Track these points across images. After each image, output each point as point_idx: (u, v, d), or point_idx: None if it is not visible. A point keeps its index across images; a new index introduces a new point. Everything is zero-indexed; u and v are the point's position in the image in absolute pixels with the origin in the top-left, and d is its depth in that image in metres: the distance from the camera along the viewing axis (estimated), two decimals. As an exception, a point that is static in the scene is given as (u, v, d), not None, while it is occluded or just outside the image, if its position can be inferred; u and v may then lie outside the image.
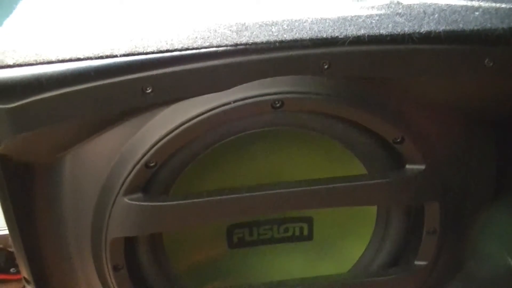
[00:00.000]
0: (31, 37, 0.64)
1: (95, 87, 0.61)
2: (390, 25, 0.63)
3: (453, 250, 0.81)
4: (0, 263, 1.03)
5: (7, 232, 0.72)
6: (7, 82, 0.60)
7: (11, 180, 0.66)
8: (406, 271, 0.77)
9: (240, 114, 0.65)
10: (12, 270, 1.04)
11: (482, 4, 0.68)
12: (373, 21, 0.64)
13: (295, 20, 0.64)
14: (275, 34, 0.62)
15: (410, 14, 0.65)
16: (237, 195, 0.68)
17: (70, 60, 0.60)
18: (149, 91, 0.62)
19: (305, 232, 0.81)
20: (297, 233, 0.81)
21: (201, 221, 0.69)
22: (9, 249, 1.02)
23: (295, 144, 0.74)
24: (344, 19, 0.64)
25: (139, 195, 0.68)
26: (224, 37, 0.62)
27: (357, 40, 0.62)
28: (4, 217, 0.69)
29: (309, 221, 0.81)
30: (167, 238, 0.77)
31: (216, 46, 0.61)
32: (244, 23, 0.64)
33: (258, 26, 0.63)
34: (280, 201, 0.69)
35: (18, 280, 1.03)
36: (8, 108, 0.60)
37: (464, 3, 0.68)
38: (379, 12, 0.66)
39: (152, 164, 0.66)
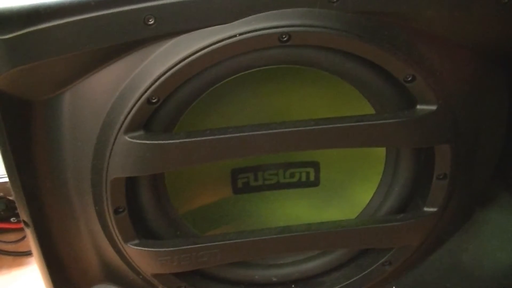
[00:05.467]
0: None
1: (95, 17, 0.58)
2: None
3: (464, 197, 0.79)
4: (0, 211, 1.02)
5: (7, 180, 0.70)
6: (3, 12, 0.57)
7: (9, 117, 0.64)
8: (414, 217, 0.75)
9: (245, 48, 0.62)
10: (12, 219, 1.03)
11: None
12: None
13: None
14: (283, -36, 0.60)
15: None
16: (242, 133, 0.65)
17: (69, -11, 0.58)
18: (152, 22, 0.59)
19: (312, 177, 0.79)
20: (303, 178, 0.80)
21: (205, 160, 0.67)
22: (9, 198, 1.01)
23: (303, 83, 0.72)
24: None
25: (140, 132, 0.65)
26: (230, -33, 0.59)
27: (368, -29, 0.60)
28: (1, 156, 0.67)
29: (316, 166, 0.79)
30: (169, 181, 0.75)
31: (221, -24, 0.59)
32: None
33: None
34: (286, 140, 0.67)
35: (19, 230, 1.03)
36: (4, 39, 0.58)
37: None
38: None
39: (154, 100, 0.63)
